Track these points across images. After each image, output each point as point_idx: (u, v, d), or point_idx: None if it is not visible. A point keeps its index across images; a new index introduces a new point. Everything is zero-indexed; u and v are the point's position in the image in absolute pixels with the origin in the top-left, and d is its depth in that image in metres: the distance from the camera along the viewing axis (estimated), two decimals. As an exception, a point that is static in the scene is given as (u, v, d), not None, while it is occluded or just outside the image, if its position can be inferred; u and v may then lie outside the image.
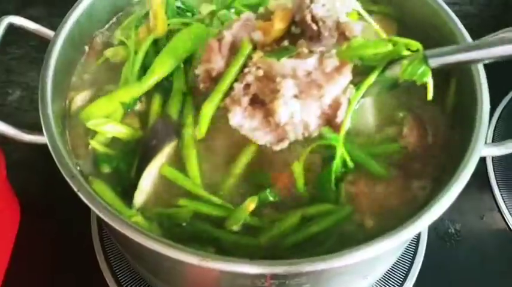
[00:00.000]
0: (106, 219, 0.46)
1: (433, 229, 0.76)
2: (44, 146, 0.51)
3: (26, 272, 0.72)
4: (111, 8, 0.68)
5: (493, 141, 0.84)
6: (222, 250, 0.49)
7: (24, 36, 0.65)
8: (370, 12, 0.67)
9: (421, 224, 0.46)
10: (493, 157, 0.82)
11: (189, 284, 0.55)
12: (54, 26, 0.62)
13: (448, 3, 0.96)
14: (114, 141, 0.57)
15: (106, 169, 0.55)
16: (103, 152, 0.55)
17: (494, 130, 0.86)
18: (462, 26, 0.61)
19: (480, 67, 0.56)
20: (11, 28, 0.62)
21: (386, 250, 0.44)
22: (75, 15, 0.62)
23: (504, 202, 0.78)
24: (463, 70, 0.58)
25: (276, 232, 0.51)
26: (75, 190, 0.47)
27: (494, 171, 0.81)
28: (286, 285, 0.48)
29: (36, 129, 0.54)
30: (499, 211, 0.78)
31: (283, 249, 0.50)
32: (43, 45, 0.72)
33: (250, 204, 0.50)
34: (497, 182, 0.80)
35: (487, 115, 0.52)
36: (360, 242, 0.45)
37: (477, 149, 0.50)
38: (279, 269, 0.43)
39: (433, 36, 0.63)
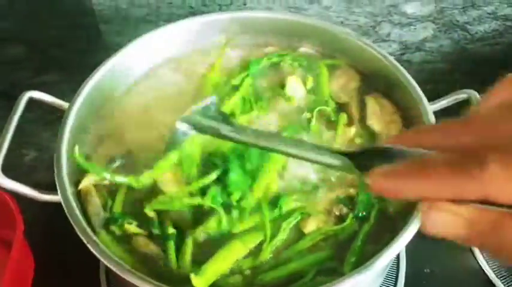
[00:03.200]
0: (113, 268, 0.54)
1: (410, 268, 0.83)
2: (56, 207, 0.59)
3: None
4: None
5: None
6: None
7: (37, 101, 0.73)
8: (333, 67, 0.77)
9: (383, 261, 0.55)
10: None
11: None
12: (64, 91, 0.71)
13: (421, 63, 1.07)
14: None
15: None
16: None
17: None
18: (420, 90, 0.69)
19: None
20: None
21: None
22: (87, 88, 0.70)
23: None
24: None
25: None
26: (85, 242, 0.56)
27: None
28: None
29: (51, 187, 0.62)
30: (470, 250, 0.86)
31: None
32: (55, 108, 0.81)
33: None
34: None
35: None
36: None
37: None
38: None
39: (396, 91, 0.73)
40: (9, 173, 0.64)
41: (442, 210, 0.32)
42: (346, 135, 0.71)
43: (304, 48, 0.80)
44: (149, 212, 0.62)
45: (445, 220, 0.32)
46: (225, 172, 0.61)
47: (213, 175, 0.61)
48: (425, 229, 0.33)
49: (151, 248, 0.61)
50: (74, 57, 1.11)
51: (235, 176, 0.61)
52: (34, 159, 1.01)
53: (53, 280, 0.82)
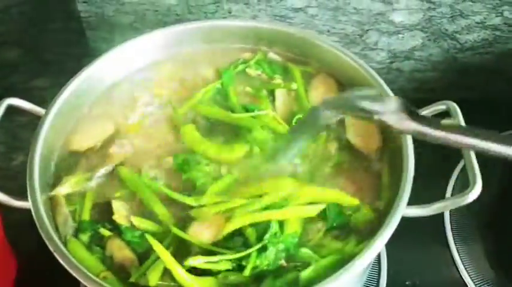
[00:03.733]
0: (78, 278, 0.54)
1: (391, 280, 0.82)
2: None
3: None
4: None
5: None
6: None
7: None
8: (310, 75, 0.77)
9: (348, 275, 0.54)
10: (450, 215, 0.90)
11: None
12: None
13: (412, 71, 1.06)
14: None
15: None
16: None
17: (454, 185, 0.93)
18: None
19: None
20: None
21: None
22: (64, 95, 0.71)
23: (460, 257, 0.85)
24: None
25: None
26: (52, 250, 0.56)
27: (451, 229, 0.88)
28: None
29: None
30: (455, 265, 0.84)
31: None
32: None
33: None
34: (453, 239, 0.87)
35: (410, 182, 0.60)
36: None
37: (399, 210, 0.58)
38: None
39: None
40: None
41: None
42: (327, 150, 0.70)
43: (273, 54, 0.79)
44: (118, 218, 0.62)
45: None
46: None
47: None
48: None
49: (126, 253, 0.60)
50: (68, 62, 1.12)
51: None
52: (22, 163, 1.01)
53: (36, 280, 0.82)
